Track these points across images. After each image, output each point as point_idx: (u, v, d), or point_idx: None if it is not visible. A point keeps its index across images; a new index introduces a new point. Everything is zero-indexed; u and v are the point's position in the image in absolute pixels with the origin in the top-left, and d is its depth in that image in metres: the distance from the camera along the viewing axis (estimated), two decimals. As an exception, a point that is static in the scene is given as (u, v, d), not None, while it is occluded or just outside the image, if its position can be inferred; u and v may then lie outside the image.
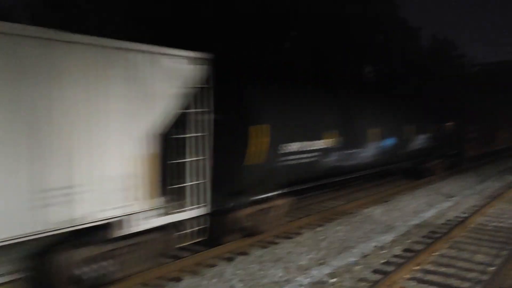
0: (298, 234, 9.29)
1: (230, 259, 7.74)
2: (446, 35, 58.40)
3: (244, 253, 8.02)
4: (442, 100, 18.12)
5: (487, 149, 22.24)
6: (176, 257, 7.72)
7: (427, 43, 36.76)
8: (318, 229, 9.69)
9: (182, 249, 8.13)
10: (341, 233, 9.43)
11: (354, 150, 10.70)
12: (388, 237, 9.02)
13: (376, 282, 6.39)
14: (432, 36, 38.41)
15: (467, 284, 6.57)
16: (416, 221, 10.41)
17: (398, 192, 13.93)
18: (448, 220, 10.47)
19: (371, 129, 11.26)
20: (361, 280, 6.75)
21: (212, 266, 7.41)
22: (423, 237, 9.09)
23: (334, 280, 6.79)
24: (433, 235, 9.14)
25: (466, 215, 10.79)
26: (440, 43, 38.68)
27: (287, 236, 9.10)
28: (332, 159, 9.96)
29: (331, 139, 9.66)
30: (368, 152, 11.31)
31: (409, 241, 8.82)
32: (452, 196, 13.43)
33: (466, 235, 9.12)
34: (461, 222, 9.79)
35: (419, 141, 14.12)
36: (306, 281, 6.73)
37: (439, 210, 11.57)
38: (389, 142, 12.26)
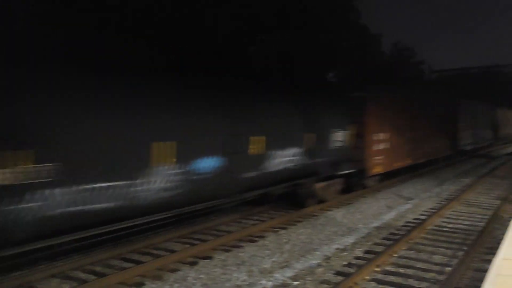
0: (261, 237, 9.29)
1: (193, 264, 7.65)
2: (407, 43, 60.31)
3: (207, 257, 7.95)
4: (343, 104, 13.34)
5: (403, 164, 16.98)
6: (138, 262, 7.57)
7: (388, 50, 37.81)
8: (282, 232, 9.73)
9: (145, 253, 8.02)
10: (304, 235, 9.51)
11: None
12: (350, 239, 9.17)
13: (337, 284, 6.47)
14: (393, 44, 39.55)
15: (425, 284, 6.75)
16: (376, 223, 10.63)
17: (360, 194, 14.19)
18: (407, 222, 10.75)
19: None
20: (323, 282, 6.82)
21: (175, 270, 7.30)
22: (384, 239, 9.29)
23: (297, 283, 6.83)
24: (393, 236, 9.35)
25: (424, 217, 11.10)
26: (400, 50, 39.89)
27: (251, 240, 9.10)
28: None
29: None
30: (150, 185, 6.85)
31: (370, 243, 8.99)
32: (411, 199, 13.80)
33: (425, 236, 9.38)
34: (419, 224, 10.06)
35: (288, 156, 10.24)
36: (269, 284, 6.74)
37: (399, 212, 11.86)
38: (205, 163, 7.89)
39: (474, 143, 27.78)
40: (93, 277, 6.95)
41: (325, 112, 12.14)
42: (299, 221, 10.65)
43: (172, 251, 8.14)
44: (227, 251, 8.37)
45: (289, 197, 11.72)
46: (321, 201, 12.20)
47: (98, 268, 7.36)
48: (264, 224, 10.06)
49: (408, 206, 12.69)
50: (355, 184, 14.04)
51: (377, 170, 14.70)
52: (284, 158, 10.17)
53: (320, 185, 12.04)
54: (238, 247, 8.62)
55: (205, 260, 7.81)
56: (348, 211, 11.87)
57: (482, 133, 30.12)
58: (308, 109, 11.36)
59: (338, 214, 11.55)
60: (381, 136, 14.71)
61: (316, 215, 11.30)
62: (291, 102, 11.03)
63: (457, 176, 19.09)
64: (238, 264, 7.66)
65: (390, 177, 16.63)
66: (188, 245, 8.57)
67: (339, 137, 12.27)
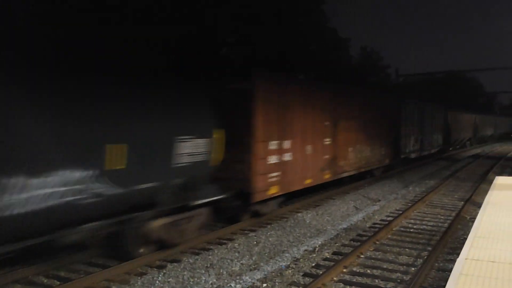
0: (231, 239, 9.26)
1: (161, 267, 7.54)
2: (374, 47, 61.63)
3: (175, 261, 7.85)
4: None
5: (317, 181, 12.92)
6: (105, 266, 7.41)
7: (356, 54, 38.52)
8: (251, 234, 9.73)
9: (111, 257, 7.84)
10: (274, 237, 9.54)
11: None
12: (318, 241, 9.25)
13: (305, 286, 6.51)
14: (361, 47, 40.32)
15: (391, 284, 6.87)
16: (345, 224, 10.78)
17: (329, 196, 14.35)
18: (374, 223, 10.94)
19: None
20: (292, 284, 6.85)
21: (142, 274, 7.19)
22: (351, 240, 9.42)
23: (265, 285, 6.83)
24: (361, 238, 9.50)
25: (391, 218, 11.33)
26: (369, 54, 40.68)
27: (220, 242, 9.05)
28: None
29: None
30: None
31: (338, 244, 9.10)
32: (379, 200, 14.07)
33: (391, 237, 9.57)
34: (386, 225, 10.25)
35: (62, 185, 5.70)
36: (238, 287, 6.71)
37: (366, 214, 12.06)
38: None
39: (421, 149, 24.82)
40: (58, 283, 6.75)
41: (162, 111, 7.50)
42: (269, 223, 10.67)
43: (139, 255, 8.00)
44: (196, 254, 8.30)
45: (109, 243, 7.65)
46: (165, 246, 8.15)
47: (62, 273, 7.16)
48: (234, 227, 10.03)
49: (375, 207, 12.92)
50: (238, 214, 10.35)
51: (273, 191, 10.66)
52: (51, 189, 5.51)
53: (159, 222, 7.81)
54: (207, 250, 8.56)
55: (174, 264, 7.72)
56: (317, 213, 11.98)
57: (430, 139, 26.96)
58: (120, 107, 6.75)
59: (307, 216, 11.64)
60: (279, 143, 10.76)
61: (286, 217, 11.36)
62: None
63: (422, 178, 19.58)
64: (207, 267, 7.61)
65: (358, 180, 16.93)
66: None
67: (193, 148, 7.94)
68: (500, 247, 5.58)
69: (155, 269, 7.48)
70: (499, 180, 12.78)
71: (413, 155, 23.25)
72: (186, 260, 7.91)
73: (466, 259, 5.19)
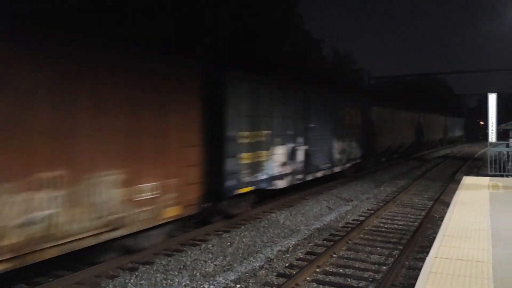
0: (204, 240, 9.21)
1: (133, 269, 7.44)
2: (347, 49, 62.51)
3: (148, 263, 7.76)
4: None
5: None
6: (75, 269, 7.25)
7: (329, 56, 38.93)
8: (225, 235, 9.70)
9: (82, 260, 7.68)
10: (248, 238, 9.54)
11: None
12: (292, 241, 9.30)
13: (279, 286, 6.53)
14: (334, 49, 40.78)
15: (363, 283, 6.97)
16: (318, 224, 10.87)
17: (303, 197, 14.45)
18: (347, 223, 11.08)
19: None
20: (265, 284, 6.87)
21: (114, 277, 7.07)
22: (324, 240, 9.51)
23: (239, 286, 6.82)
24: (333, 237, 9.60)
25: (363, 218, 11.49)
26: (341, 56, 41.20)
27: (193, 243, 8.99)
28: None
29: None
30: None
31: (311, 244, 9.17)
32: (351, 200, 14.25)
33: (363, 237, 9.71)
34: (358, 224, 10.39)
35: None
36: (211, 288, 6.69)
37: (339, 213, 12.20)
38: None
39: (335, 164, 16.62)
40: (26, 287, 6.57)
41: None
42: (242, 224, 10.66)
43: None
44: (169, 255, 8.21)
45: None
46: None
47: (31, 277, 6.97)
48: (208, 228, 9.98)
49: (348, 207, 13.09)
50: None
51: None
52: None
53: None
54: (181, 251, 8.49)
55: (146, 266, 7.62)
56: (290, 213, 12.04)
57: (349, 148, 18.32)
58: None
59: (281, 216, 11.69)
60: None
61: (260, 218, 11.37)
62: None
63: (393, 178, 19.95)
64: (180, 269, 7.54)
65: (332, 180, 17.11)
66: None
67: None
68: (467, 246, 5.73)
69: (127, 271, 7.36)
70: (467, 180, 13.14)
71: (320, 173, 15.31)
72: (159, 262, 7.82)
73: (435, 257, 5.31)
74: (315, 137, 14.55)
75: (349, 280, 7.08)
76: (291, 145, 12.98)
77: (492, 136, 16.12)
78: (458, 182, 13.66)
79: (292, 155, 13.03)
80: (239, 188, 10.42)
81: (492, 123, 16.13)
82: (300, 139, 13.54)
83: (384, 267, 7.64)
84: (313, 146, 14.43)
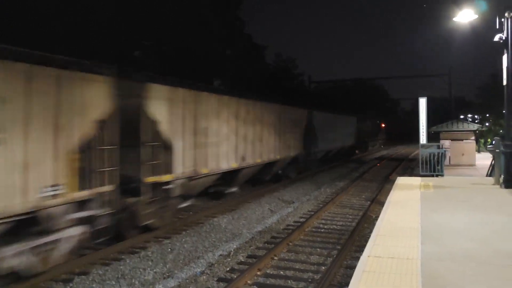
0: (144, 248, 8.99)
1: (67, 281, 7.12)
2: (289, 55, 63.69)
3: (83, 273, 7.45)
4: None
5: None
6: (3, 284, 6.81)
7: (271, 61, 39.42)
8: (166, 241, 9.52)
9: (11, 273, 7.23)
10: (189, 244, 9.42)
11: None
12: (233, 245, 9.30)
13: (220, 291, 6.51)
14: (277, 54, 41.36)
15: (302, 284, 7.10)
16: (260, 227, 10.95)
17: (245, 200, 14.50)
18: (288, 225, 11.24)
19: None
20: (206, 290, 6.82)
21: (46, 290, 6.72)
22: (266, 242, 9.59)
23: (180, 292, 6.73)
24: (275, 240, 9.71)
25: (303, 219, 11.71)
26: (284, 61, 41.87)
27: (132, 251, 8.75)
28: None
29: None
30: None
31: (253, 247, 9.22)
32: (293, 202, 14.49)
33: (303, 238, 9.89)
34: (299, 226, 10.58)
35: None
36: (150, 296, 6.54)
37: (281, 216, 12.36)
38: None
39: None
40: None
41: None
42: (184, 230, 10.52)
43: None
44: (106, 264, 7.94)
45: None
46: None
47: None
48: (147, 235, 9.75)
49: (289, 209, 13.29)
50: None
51: None
52: None
53: None
54: (119, 260, 8.23)
55: (81, 276, 7.32)
56: (232, 217, 12.04)
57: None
58: None
59: (223, 220, 11.65)
60: None
61: (202, 223, 11.28)
62: None
63: (333, 180, 20.54)
64: (118, 278, 7.32)
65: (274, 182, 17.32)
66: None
67: None
68: (398, 244, 5.99)
69: (61, 283, 7.04)
70: (400, 180, 13.74)
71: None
72: (95, 272, 7.54)
73: (368, 256, 5.50)
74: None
75: (289, 281, 7.18)
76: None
77: (423, 138, 17.00)
78: (393, 182, 14.26)
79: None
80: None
81: (422, 126, 17.01)
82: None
83: (323, 267, 7.82)
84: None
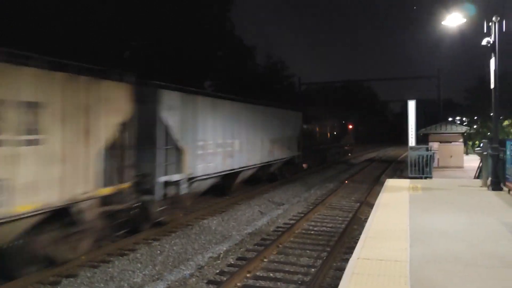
0: (133, 250, 8.94)
1: (54, 283, 7.05)
2: (280, 56, 63.81)
3: (71, 276, 7.39)
4: None
5: None
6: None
7: (262, 62, 39.45)
8: (155, 243, 9.47)
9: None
10: (178, 246, 9.38)
11: None
12: (223, 247, 9.28)
13: (210, 293, 6.49)
14: (267, 56, 41.42)
15: (292, 286, 7.11)
16: (250, 229, 10.94)
17: (235, 202, 14.49)
18: (278, 227, 11.25)
19: None
20: (196, 292, 6.80)
21: (33, 293, 6.65)
22: (255, 244, 9.58)
23: (169, 295, 6.70)
24: (264, 242, 9.71)
25: (293, 221, 11.73)
26: (274, 63, 41.94)
27: (121, 253, 8.69)
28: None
29: None
30: None
31: (243, 249, 9.21)
32: (283, 204, 14.50)
33: (293, 240, 9.90)
34: (289, 228, 10.60)
35: None
36: (139, 299, 6.50)
37: (271, 217, 12.37)
38: None
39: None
40: None
41: None
42: (173, 232, 10.48)
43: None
44: (95, 267, 7.88)
45: None
46: None
47: None
48: (136, 237, 9.70)
49: (279, 211, 13.30)
50: None
51: None
52: None
53: None
54: (107, 262, 8.17)
55: (69, 279, 7.26)
56: (222, 219, 12.02)
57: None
58: None
59: (213, 222, 11.63)
60: None
61: (191, 225, 11.24)
62: None
63: (323, 182, 20.60)
64: (106, 280, 7.27)
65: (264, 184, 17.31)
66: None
67: None
68: (387, 246, 6.02)
69: (48, 286, 6.97)
70: (389, 182, 13.80)
71: None
72: (84, 274, 7.48)
73: (358, 258, 5.51)
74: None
75: (279, 284, 7.19)
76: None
77: (412, 140, 17.13)
78: (382, 184, 14.34)
79: None
80: None
81: (411, 128, 17.13)
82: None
83: (313, 269, 7.84)
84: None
